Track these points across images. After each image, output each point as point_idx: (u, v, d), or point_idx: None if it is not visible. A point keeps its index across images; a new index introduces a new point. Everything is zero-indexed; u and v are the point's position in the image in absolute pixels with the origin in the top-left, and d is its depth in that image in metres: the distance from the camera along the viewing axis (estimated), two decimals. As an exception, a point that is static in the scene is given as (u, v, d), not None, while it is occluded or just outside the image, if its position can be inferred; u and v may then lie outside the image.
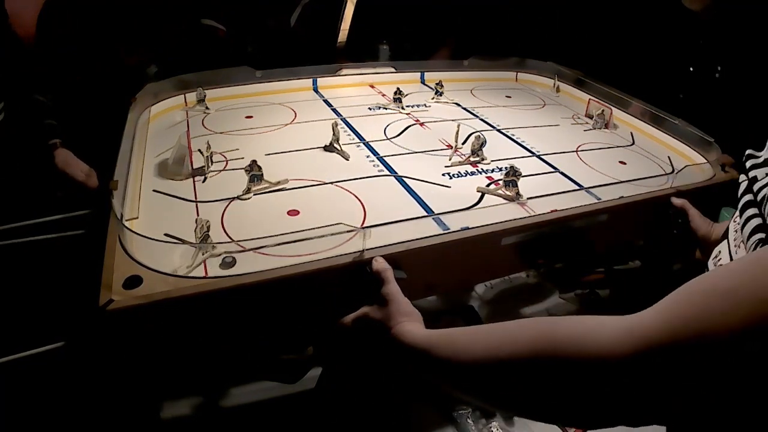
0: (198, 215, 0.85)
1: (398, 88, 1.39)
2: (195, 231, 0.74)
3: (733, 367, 0.34)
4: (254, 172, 0.93)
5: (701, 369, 0.35)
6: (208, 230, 0.75)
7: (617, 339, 0.40)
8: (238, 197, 0.92)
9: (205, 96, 1.28)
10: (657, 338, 0.38)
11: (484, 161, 1.11)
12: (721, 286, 0.37)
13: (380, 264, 0.71)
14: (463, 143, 1.17)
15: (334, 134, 1.10)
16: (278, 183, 0.96)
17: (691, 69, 1.48)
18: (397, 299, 0.66)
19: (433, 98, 1.46)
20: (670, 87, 1.53)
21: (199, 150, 0.99)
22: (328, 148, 1.11)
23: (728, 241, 0.60)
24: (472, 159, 1.10)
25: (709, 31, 1.41)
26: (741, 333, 0.34)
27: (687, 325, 0.37)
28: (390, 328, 0.63)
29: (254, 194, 0.93)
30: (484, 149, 1.11)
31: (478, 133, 1.15)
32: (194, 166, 0.99)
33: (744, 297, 0.34)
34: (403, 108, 1.38)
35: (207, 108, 1.27)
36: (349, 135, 1.20)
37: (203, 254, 0.72)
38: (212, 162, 0.99)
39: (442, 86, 1.46)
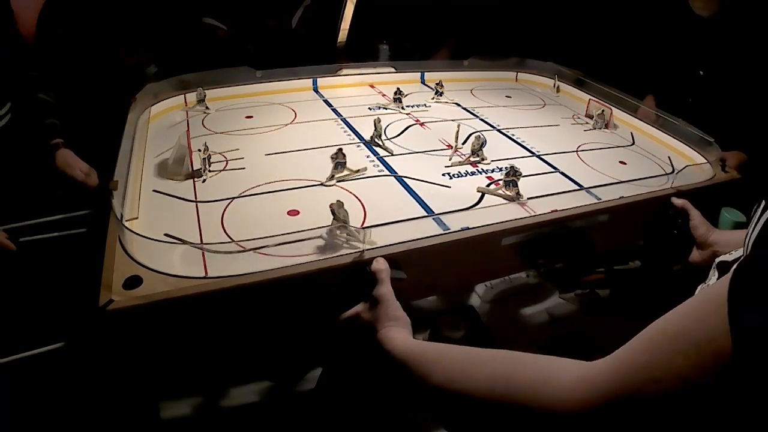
0: (198, 215, 0.85)
1: (398, 88, 1.39)
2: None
3: (684, 410, 0.35)
4: (339, 160, 0.96)
5: (652, 414, 0.36)
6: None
7: (570, 389, 0.40)
8: (322, 183, 0.96)
9: (205, 96, 1.28)
10: (607, 388, 0.38)
11: (484, 161, 1.11)
12: (670, 330, 0.38)
13: (378, 264, 0.71)
14: (463, 143, 1.17)
15: (376, 130, 1.12)
16: (358, 171, 1.00)
17: (701, 73, 1.49)
18: (387, 302, 0.66)
19: (433, 98, 1.46)
20: (678, 89, 1.53)
21: (199, 150, 0.99)
22: (371, 143, 1.14)
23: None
24: (472, 159, 1.11)
25: (717, 35, 1.41)
26: (688, 376, 0.34)
27: (637, 372, 0.37)
28: (376, 331, 0.63)
29: (337, 181, 0.97)
30: (484, 149, 1.11)
31: (478, 133, 1.15)
32: (194, 167, 0.99)
33: (691, 340, 0.35)
34: (403, 108, 1.38)
35: (207, 108, 1.27)
36: (349, 135, 1.20)
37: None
38: (210, 164, 0.99)
39: (442, 86, 1.46)
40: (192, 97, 1.31)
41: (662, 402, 0.35)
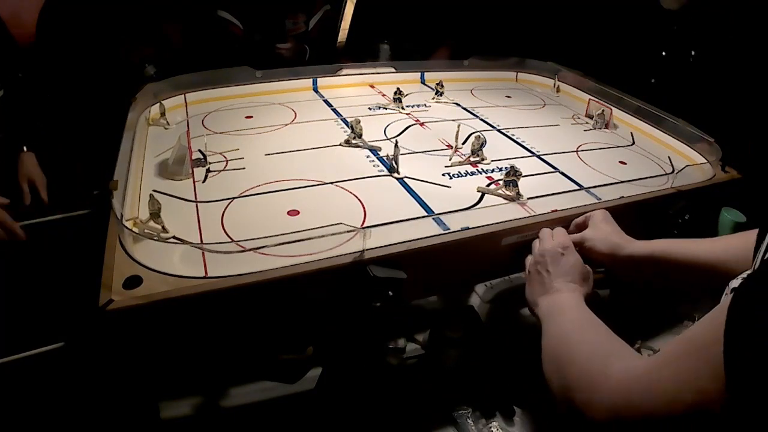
0: (198, 215, 0.86)
1: (398, 88, 1.39)
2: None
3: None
4: (357, 130, 1.12)
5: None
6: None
7: (608, 380, 0.48)
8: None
9: (165, 109, 1.21)
10: (629, 400, 0.44)
11: (484, 161, 1.11)
12: (694, 342, 0.42)
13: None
14: (463, 143, 1.17)
15: (353, 131, 1.13)
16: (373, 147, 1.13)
17: (664, 54, 1.49)
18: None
19: (433, 98, 1.46)
20: (644, 72, 1.53)
21: (199, 150, 0.99)
22: (347, 144, 1.15)
23: None
24: (472, 159, 1.10)
25: (682, 18, 1.42)
26: (714, 385, 0.37)
27: (660, 385, 0.42)
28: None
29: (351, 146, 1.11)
30: (484, 149, 1.11)
31: (478, 133, 1.15)
32: (194, 160, 1.00)
33: (713, 353, 0.38)
34: (403, 108, 1.37)
35: (168, 124, 1.19)
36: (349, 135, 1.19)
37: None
38: (206, 154, 1.00)
39: (442, 86, 1.46)
40: (180, 100, 1.30)
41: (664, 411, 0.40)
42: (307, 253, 0.73)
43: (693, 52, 1.51)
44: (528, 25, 1.96)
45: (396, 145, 1.03)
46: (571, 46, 1.83)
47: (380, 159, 1.09)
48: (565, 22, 1.95)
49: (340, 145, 1.13)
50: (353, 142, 1.13)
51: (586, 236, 0.84)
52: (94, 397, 0.87)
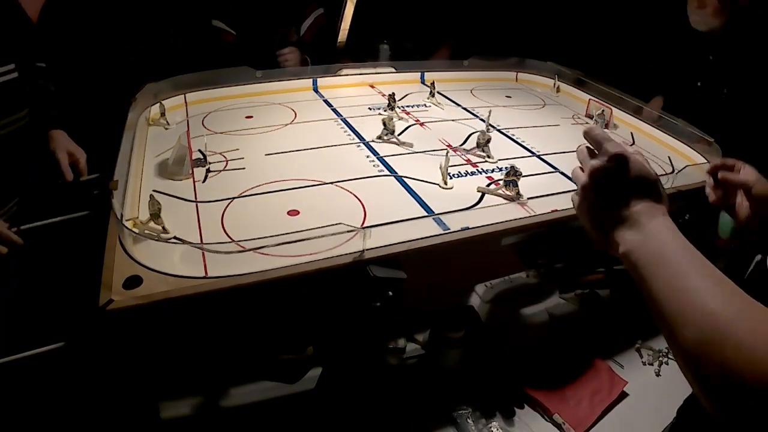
0: (198, 215, 0.86)
1: (392, 94, 1.33)
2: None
3: None
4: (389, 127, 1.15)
5: None
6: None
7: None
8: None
9: (165, 109, 1.21)
10: None
11: (490, 159, 1.11)
12: None
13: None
14: (463, 144, 1.17)
15: (386, 128, 1.15)
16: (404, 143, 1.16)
17: (699, 84, 1.49)
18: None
19: (428, 98, 1.45)
20: (676, 96, 1.54)
21: (199, 150, 0.99)
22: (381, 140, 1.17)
23: None
24: (478, 152, 1.11)
25: (718, 47, 1.42)
26: None
27: None
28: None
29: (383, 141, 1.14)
30: (489, 147, 1.12)
31: (482, 129, 1.15)
32: (194, 160, 1.00)
33: None
34: (397, 113, 1.35)
35: (168, 124, 1.20)
36: (349, 135, 1.20)
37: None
38: (207, 159, 1.00)
39: (434, 87, 1.44)
40: (177, 101, 1.30)
41: None
42: (307, 253, 0.73)
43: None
44: (528, 25, 1.96)
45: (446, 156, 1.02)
46: (571, 46, 1.83)
47: (380, 159, 1.09)
48: (565, 22, 1.95)
49: (372, 141, 1.16)
50: (385, 138, 1.13)
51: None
52: (94, 397, 0.87)
